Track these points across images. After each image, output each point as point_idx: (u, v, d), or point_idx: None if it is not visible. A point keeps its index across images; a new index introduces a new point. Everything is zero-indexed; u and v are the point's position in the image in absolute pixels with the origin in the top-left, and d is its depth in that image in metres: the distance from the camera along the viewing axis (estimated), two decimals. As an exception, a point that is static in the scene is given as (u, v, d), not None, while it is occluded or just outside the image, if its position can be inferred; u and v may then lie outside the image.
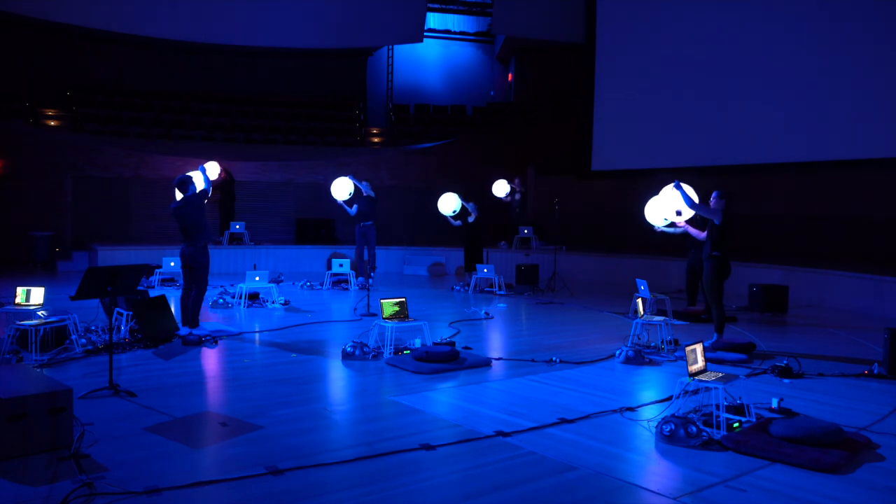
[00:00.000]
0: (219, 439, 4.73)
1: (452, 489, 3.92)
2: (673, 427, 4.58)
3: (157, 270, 12.44)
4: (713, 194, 7.72)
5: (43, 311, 7.34)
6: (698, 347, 5.18)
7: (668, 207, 7.94)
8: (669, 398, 5.46)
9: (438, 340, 7.59)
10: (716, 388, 4.86)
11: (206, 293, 8.61)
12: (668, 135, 15.53)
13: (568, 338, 8.45)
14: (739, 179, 14.31)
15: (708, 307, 8.85)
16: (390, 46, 22.17)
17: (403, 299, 7.65)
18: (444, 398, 5.76)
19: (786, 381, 6.36)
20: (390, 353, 7.13)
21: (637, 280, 8.63)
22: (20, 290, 7.51)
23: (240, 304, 10.48)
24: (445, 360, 6.71)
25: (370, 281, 10.54)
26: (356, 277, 12.76)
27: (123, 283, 5.82)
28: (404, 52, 22.46)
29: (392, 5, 19.70)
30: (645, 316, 7.89)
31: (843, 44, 12.89)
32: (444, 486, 3.97)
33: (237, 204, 16.98)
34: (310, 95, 20.63)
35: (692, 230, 8.24)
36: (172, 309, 8.25)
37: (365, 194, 12.71)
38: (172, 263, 12.24)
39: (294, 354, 7.32)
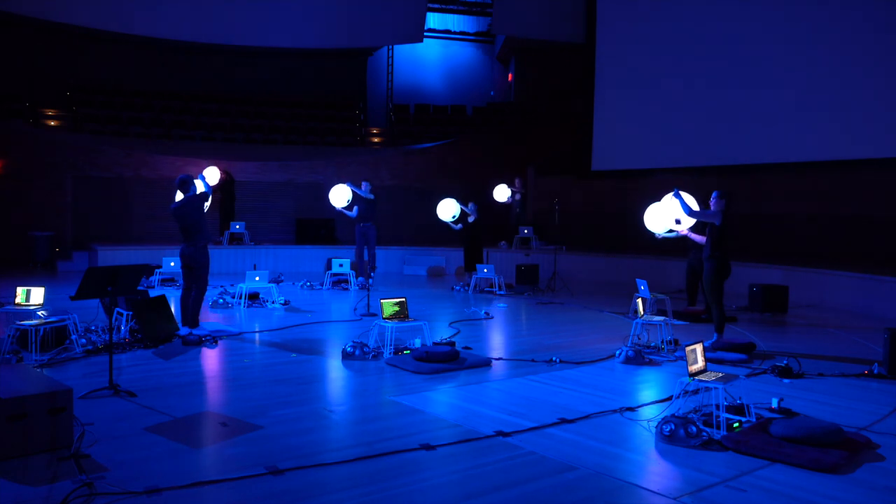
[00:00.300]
0: (219, 439, 4.73)
1: (452, 489, 3.92)
2: (673, 427, 4.58)
3: (157, 270, 12.44)
4: (713, 194, 7.73)
5: (43, 311, 7.34)
6: (698, 347, 5.18)
7: (667, 216, 7.97)
8: (669, 398, 5.46)
9: (438, 340, 7.59)
10: (716, 388, 4.86)
11: (206, 293, 8.61)
12: (668, 135, 15.53)
13: (568, 338, 8.45)
14: (739, 179, 14.31)
15: (708, 307, 8.85)
16: (390, 46, 22.18)
17: (403, 299, 7.65)
18: (444, 398, 5.76)
19: (786, 381, 6.36)
20: (390, 353, 7.13)
21: (637, 280, 8.63)
22: (20, 290, 7.51)
23: (240, 304, 10.48)
24: (445, 360, 6.71)
25: (370, 281, 10.54)
26: (356, 277, 12.76)
27: (123, 283, 5.82)
28: (404, 52, 22.46)
29: (392, 5, 19.71)
30: (645, 316, 7.89)
31: (844, 44, 12.89)
32: (444, 486, 3.97)
33: (237, 204, 16.98)
34: (310, 95, 20.64)
35: (693, 236, 8.27)
36: (172, 309, 8.25)
37: (364, 197, 12.69)
38: (172, 263, 12.24)
39: (294, 354, 7.32)
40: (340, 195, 12.65)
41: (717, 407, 4.77)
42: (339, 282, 12.83)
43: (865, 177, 13.04)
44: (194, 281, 8.08)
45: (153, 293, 9.03)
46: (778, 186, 14.40)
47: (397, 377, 6.42)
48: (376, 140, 20.61)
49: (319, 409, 5.40)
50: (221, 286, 11.80)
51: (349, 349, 7.12)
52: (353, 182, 13.00)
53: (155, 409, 5.25)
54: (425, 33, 20.89)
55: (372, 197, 12.72)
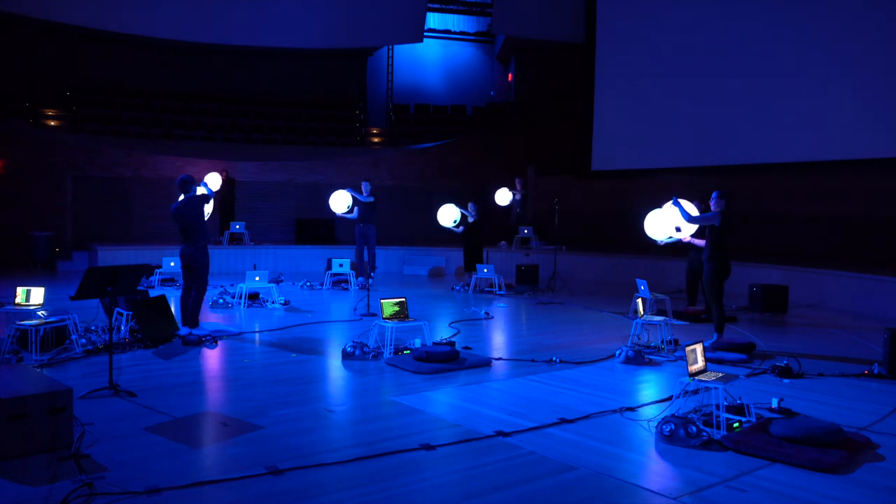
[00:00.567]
0: (219, 439, 4.73)
1: (452, 489, 3.92)
2: (673, 427, 4.58)
3: (157, 270, 12.43)
4: (713, 194, 7.74)
5: (43, 311, 7.34)
6: (698, 347, 5.18)
7: (667, 223, 8.00)
8: (669, 398, 5.46)
9: (438, 340, 7.59)
10: (716, 388, 4.86)
11: (206, 293, 8.61)
12: (669, 135, 15.53)
13: (568, 338, 8.45)
14: (739, 179, 14.31)
15: (708, 307, 8.85)
16: (390, 46, 22.18)
17: (403, 299, 7.65)
18: (444, 398, 5.76)
19: (786, 381, 6.36)
20: (390, 353, 7.13)
21: (637, 280, 8.63)
22: (20, 290, 7.51)
23: (240, 304, 10.48)
24: (445, 360, 6.71)
25: (370, 281, 10.54)
26: (356, 277, 12.76)
27: (123, 283, 5.82)
28: (404, 52, 22.47)
29: (392, 5, 19.71)
30: (645, 316, 7.89)
31: (844, 44, 12.89)
32: (444, 486, 3.97)
33: (237, 204, 16.98)
34: (310, 95, 20.63)
35: (696, 241, 8.29)
36: (172, 309, 8.25)
37: (364, 200, 12.67)
38: (172, 263, 12.24)
39: (294, 354, 7.32)
40: (340, 201, 12.67)
41: (717, 407, 4.78)
42: (339, 282, 12.83)
43: (865, 177, 13.04)
44: (194, 281, 8.08)
45: (153, 293, 9.03)
46: (778, 186, 14.40)
47: (397, 377, 6.42)
48: (376, 140, 20.61)
49: (319, 409, 5.40)
50: (221, 286, 11.80)
51: (349, 349, 7.12)
52: (354, 181, 13.00)
53: (155, 409, 5.25)
54: (425, 33, 20.89)
55: (372, 199, 12.71)
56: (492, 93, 23.29)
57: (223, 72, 20.07)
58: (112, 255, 14.16)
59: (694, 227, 8.04)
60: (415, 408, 5.41)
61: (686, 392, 5.08)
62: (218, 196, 15.62)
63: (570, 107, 19.47)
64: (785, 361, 6.62)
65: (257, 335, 8.43)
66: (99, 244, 14.82)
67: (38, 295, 7.48)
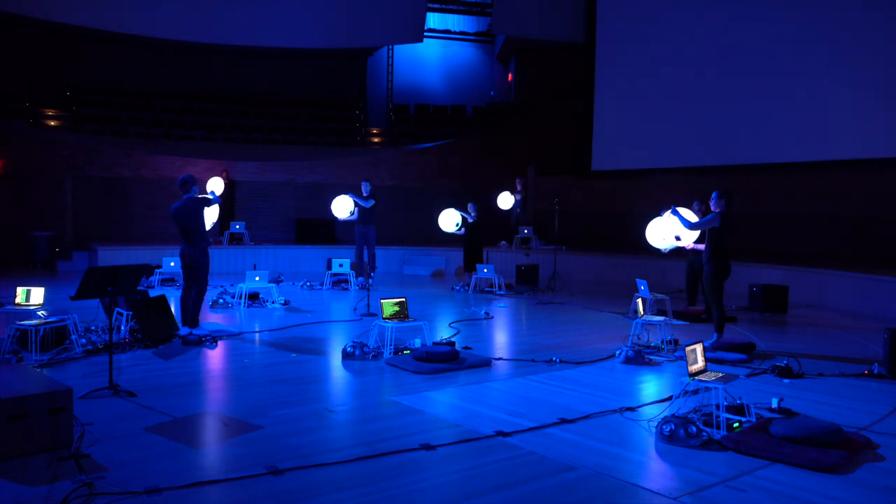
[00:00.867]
0: (219, 439, 4.73)
1: (452, 489, 3.92)
2: (673, 427, 4.58)
3: (157, 270, 12.43)
4: (713, 194, 7.74)
5: (43, 311, 7.34)
6: (698, 347, 5.18)
7: (668, 232, 8.04)
8: (669, 398, 5.46)
9: (438, 340, 7.59)
10: (716, 388, 4.86)
11: (206, 293, 8.61)
12: (669, 135, 15.53)
13: (568, 338, 8.45)
14: (739, 179, 14.30)
15: (708, 307, 8.85)
16: (390, 46, 22.17)
17: (403, 299, 7.65)
18: (444, 398, 5.76)
19: (786, 381, 6.36)
20: (390, 353, 7.13)
21: (637, 280, 8.64)
22: (20, 290, 7.51)
23: (240, 304, 10.48)
24: (445, 360, 6.71)
25: (370, 281, 10.53)
26: (356, 278, 12.76)
27: (123, 283, 5.82)
28: (404, 52, 22.46)
29: (392, 5, 19.70)
30: (645, 316, 7.89)
31: (844, 44, 12.89)
32: (444, 486, 3.97)
33: (237, 204, 16.98)
34: (310, 95, 20.63)
35: (699, 247, 8.30)
36: (172, 309, 8.25)
37: (367, 206, 12.65)
38: (172, 263, 12.24)
39: (294, 354, 7.32)
40: (343, 207, 12.68)
41: (717, 407, 4.78)
42: (339, 282, 12.83)
43: (865, 177, 13.04)
44: (194, 281, 8.08)
45: (153, 293, 9.03)
46: (778, 186, 14.40)
47: (397, 377, 6.42)
48: (376, 140, 20.61)
49: (319, 409, 5.40)
50: (221, 286, 11.79)
51: (349, 349, 7.12)
52: (354, 181, 12.99)
53: (155, 409, 5.25)
54: (425, 33, 20.88)
55: (373, 202, 12.69)
56: (492, 93, 23.29)
57: (223, 72, 20.07)
58: (112, 255, 14.16)
59: (695, 234, 8.07)
60: (415, 408, 5.41)
61: (686, 392, 5.08)
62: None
63: (570, 107, 19.47)
64: (785, 361, 6.62)
65: (257, 335, 8.43)
66: (99, 244, 14.81)
67: (38, 295, 7.48)
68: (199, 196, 8.13)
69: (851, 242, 13.21)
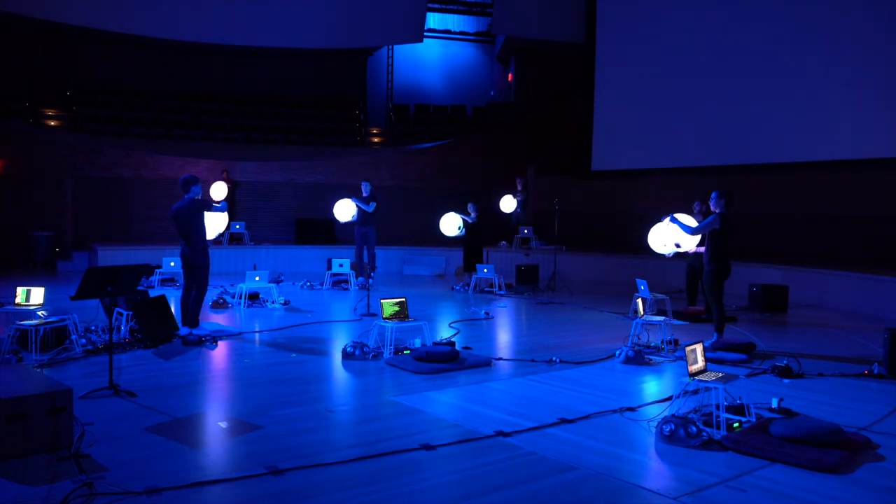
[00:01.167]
0: (219, 439, 4.73)
1: (452, 489, 3.92)
2: (673, 427, 4.58)
3: (157, 270, 12.43)
4: (712, 195, 7.74)
5: (43, 311, 7.34)
6: (698, 347, 5.18)
7: (669, 240, 8.05)
8: (669, 398, 5.46)
9: (438, 340, 7.59)
10: (716, 388, 4.87)
11: (207, 293, 8.61)
12: (669, 135, 15.52)
13: (568, 338, 8.45)
14: (739, 179, 14.30)
15: (708, 307, 8.85)
16: (390, 46, 22.16)
17: (403, 299, 7.65)
18: (444, 398, 5.76)
19: (786, 381, 6.36)
20: (390, 353, 7.13)
21: (637, 280, 8.64)
22: (20, 290, 7.51)
23: (240, 304, 10.48)
24: (445, 360, 6.71)
25: (370, 281, 10.54)
26: (356, 278, 12.76)
27: (123, 283, 5.82)
28: (404, 52, 22.46)
29: (392, 5, 19.70)
30: (645, 316, 7.89)
31: (844, 44, 12.88)
32: (444, 486, 3.97)
33: (237, 204, 16.97)
34: (310, 95, 20.63)
35: (701, 250, 8.32)
36: (172, 309, 8.25)
37: (369, 210, 12.63)
38: (172, 263, 12.24)
39: (294, 354, 7.32)
40: (345, 211, 12.68)
41: (717, 407, 4.78)
42: (339, 282, 12.83)
43: (865, 177, 13.04)
44: (195, 281, 8.08)
45: (153, 293, 9.03)
46: (778, 186, 14.40)
47: (397, 377, 6.42)
48: (376, 140, 20.61)
49: (319, 409, 5.40)
50: (221, 286, 11.80)
51: (349, 349, 7.12)
52: (354, 181, 12.99)
53: (155, 409, 5.25)
54: (425, 33, 20.87)
55: (375, 205, 12.68)
56: (492, 93, 23.28)
57: (223, 72, 20.06)
58: (112, 255, 14.16)
59: (696, 239, 8.08)
60: (415, 408, 5.41)
61: (686, 392, 5.08)
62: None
63: (570, 107, 19.46)
64: (785, 361, 6.62)
65: (257, 335, 8.43)
66: (99, 244, 14.81)
67: (38, 295, 7.48)
68: (200, 198, 8.12)
69: (851, 242, 13.21)
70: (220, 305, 10.34)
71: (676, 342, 7.67)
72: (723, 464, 4.29)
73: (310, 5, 19.22)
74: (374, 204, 12.67)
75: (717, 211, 7.65)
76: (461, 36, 23.26)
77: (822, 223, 13.73)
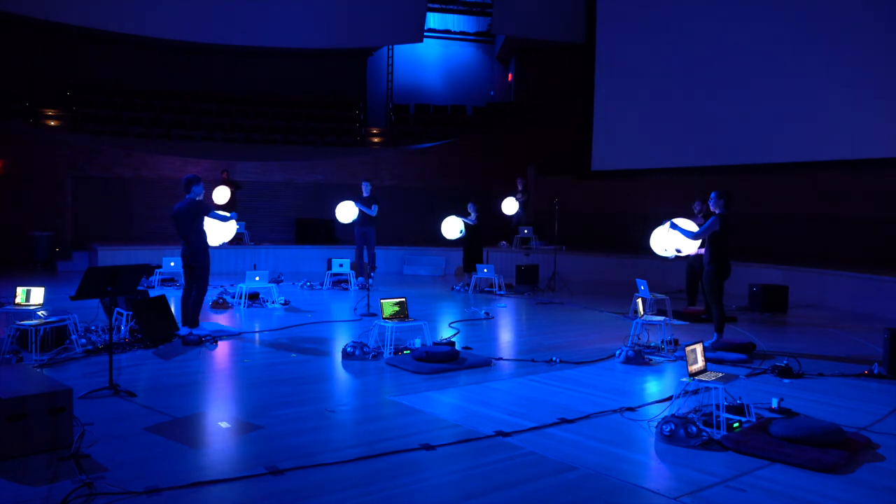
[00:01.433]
0: (219, 439, 4.73)
1: (452, 489, 3.92)
2: (673, 427, 4.58)
3: (157, 270, 12.43)
4: (712, 195, 7.74)
5: (43, 311, 7.34)
6: (698, 347, 5.18)
7: (670, 245, 8.07)
8: (669, 398, 5.46)
9: (438, 340, 7.59)
10: (716, 388, 4.87)
11: (207, 293, 8.61)
12: (668, 135, 15.52)
13: (568, 338, 8.45)
14: (739, 179, 14.30)
15: (708, 307, 8.85)
16: (390, 46, 22.16)
17: (403, 299, 7.65)
18: (444, 398, 5.76)
19: (786, 381, 6.36)
20: (390, 353, 7.13)
21: (637, 280, 8.64)
22: (20, 290, 7.51)
23: (240, 304, 10.48)
24: (445, 360, 6.71)
25: (370, 281, 10.54)
26: (356, 278, 12.76)
27: (123, 283, 5.82)
28: (404, 52, 22.45)
29: (392, 5, 19.69)
30: (645, 316, 7.89)
31: (844, 43, 12.88)
32: (444, 486, 3.97)
33: (237, 204, 16.96)
34: (310, 95, 20.63)
35: (702, 251, 8.32)
36: (172, 309, 8.25)
37: (372, 214, 12.63)
38: (172, 263, 12.24)
39: (294, 354, 7.32)
40: (347, 213, 12.68)
41: (717, 407, 4.78)
42: (339, 282, 12.83)
43: (865, 177, 13.03)
44: (195, 281, 8.09)
45: (153, 293, 9.03)
46: (778, 186, 14.40)
47: (397, 377, 6.42)
48: (376, 140, 20.60)
49: (320, 409, 5.40)
50: (221, 286, 11.80)
51: (349, 349, 7.12)
52: (354, 181, 12.98)
53: (155, 409, 5.25)
54: (425, 33, 20.86)
55: (377, 208, 12.68)
56: (492, 93, 23.28)
57: (223, 72, 20.06)
58: (112, 255, 14.16)
59: (697, 243, 8.08)
60: (415, 408, 5.41)
61: (686, 392, 5.08)
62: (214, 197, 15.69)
63: (570, 107, 19.46)
64: (785, 361, 6.63)
65: (257, 335, 8.43)
66: (99, 244, 14.81)
67: (38, 295, 7.48)
68: (200, 200, 8.11)
69: (851, 242, 13.21)
70: (220, 305, 10.35)
71: (676, 342, 7.67)
72: (723, 464, 4.29)
73: (310, 5, 19.22)
74: (377, 207, 12.68)
75: (716, 211, 7.65)
76: (461, 36, 23.26)
77: (821, 223, 13.73)
